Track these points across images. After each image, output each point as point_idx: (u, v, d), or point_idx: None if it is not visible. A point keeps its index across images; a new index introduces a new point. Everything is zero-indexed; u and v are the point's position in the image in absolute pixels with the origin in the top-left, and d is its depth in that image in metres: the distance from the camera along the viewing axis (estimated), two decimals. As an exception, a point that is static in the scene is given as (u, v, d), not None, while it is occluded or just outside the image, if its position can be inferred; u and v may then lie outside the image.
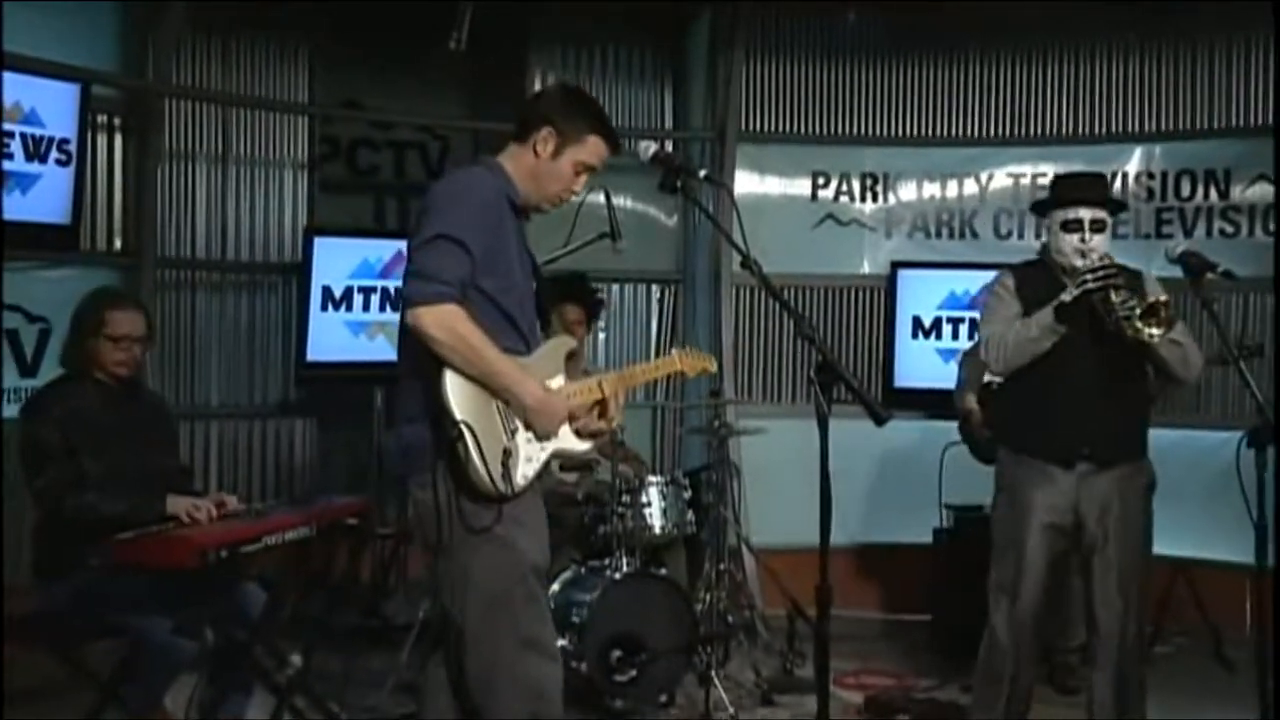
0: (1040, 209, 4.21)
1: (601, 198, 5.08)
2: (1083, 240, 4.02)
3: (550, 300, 3.82)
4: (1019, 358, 4.03)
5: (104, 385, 4.04)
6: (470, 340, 2.94)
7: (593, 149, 3.17)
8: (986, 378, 5.27)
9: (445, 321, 2.92)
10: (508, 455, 2.99)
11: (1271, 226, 6.34)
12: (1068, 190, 4.13)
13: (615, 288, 7.05)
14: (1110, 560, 4.02)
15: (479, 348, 2.96)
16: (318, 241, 6.15)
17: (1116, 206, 4.20)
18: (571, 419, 3.17)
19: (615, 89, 7.05)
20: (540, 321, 4.15)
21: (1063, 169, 6.73)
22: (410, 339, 3.00)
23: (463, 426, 2.91)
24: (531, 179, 3.16)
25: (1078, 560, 4.18)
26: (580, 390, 3.23)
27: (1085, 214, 4.03)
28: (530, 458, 3.07)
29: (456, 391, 2.95)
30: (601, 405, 3.25)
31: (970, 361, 5.25)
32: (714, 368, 3.69)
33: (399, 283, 6.07)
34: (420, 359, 2.98)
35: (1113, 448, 4.04)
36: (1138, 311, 3.83)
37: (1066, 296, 3.91)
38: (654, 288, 7.17)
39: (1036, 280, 4.11)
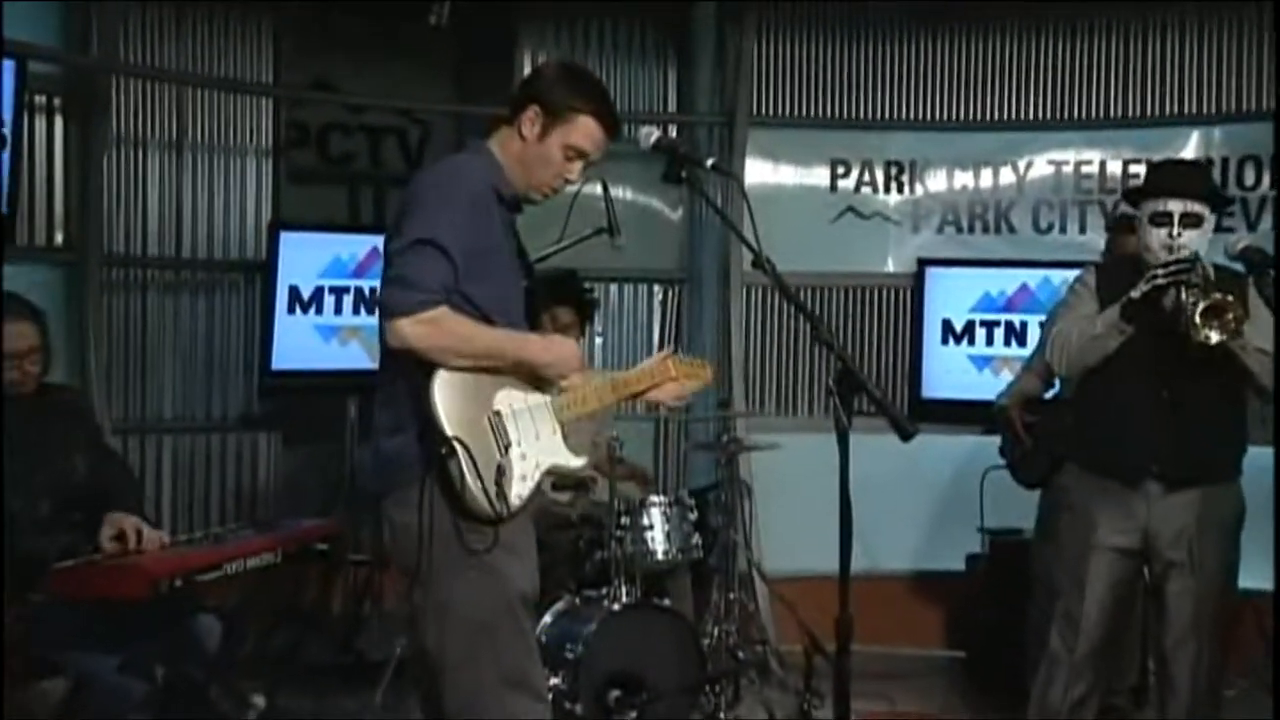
0: (1132, 199, 4.20)
1: (598, 189, 5.08)
2: (1171, 235, 3.98)
3: (541, 302, 3.83)
4: (1083, 358, 4.03)
5: (7, 403, 4.00)
6: (459, 331, 2.98)
7: (584, 131, 3.15)
8: (1049, 394, 5.26)
9: (429, 325, 2.94)
10: (501, 473, 3.00)
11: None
12: (1157, 179, 4.12)
13: (614, 288, 7.04)
14: (1184, 595, 4.00)
15: (470, 335, 2.99)
16: (284, 237, 6.14)
17: (1217, 200, 4.16)
18: (565, 434, 3.19)
19: (613, 69, 7.04)
20: (530, 326, 4.13)
21: (1111, 155, 6.80)
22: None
23: (454, 443, 2.91)
24: (519, 164, 3.15)
25: (1146, 592, 4.16)
26: (571, 402, 3.23)
27: (1175, 207, 3.99)
28: (525, 475, 3.07)
29: (446, 403, 2.96)
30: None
31: (1029, 371, 5.25)
32: (709, 377, 3.68)
33: (375, 282, 6.09)
34: (404, 366, 2.99)
35: (1188, 467, 4.02)
36: (1199, 309, 3.81)
37: (1135, 293, 3.90)
38: (656, 288, 7.16)
39: (1120, 278, 4.08)
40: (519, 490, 3.05)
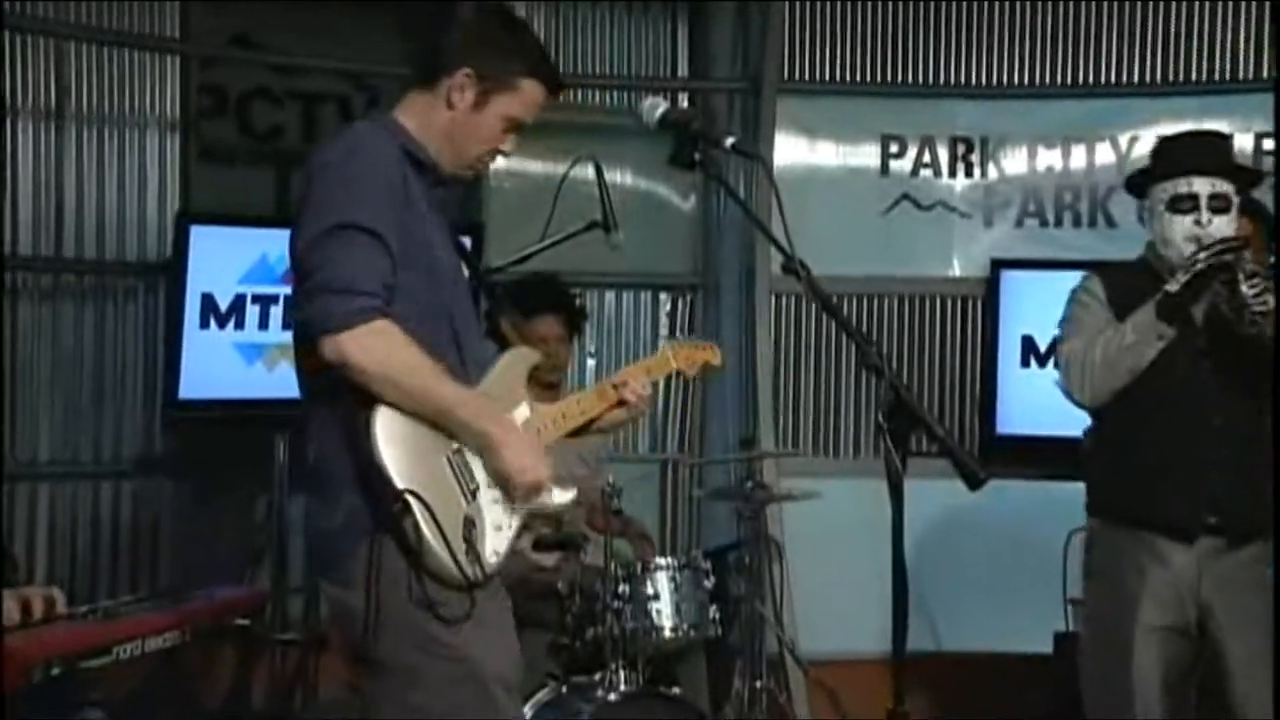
0: (1137, 186, 4.24)
1: (590, 173, 5.10)
2: (1199, 223, 4.03)
3: (509, 315, 3.82)
4: (1110, 378, 4.05)
5: None
6: (414, 366, 2.97)
7: (528, 98, 3.22)
8: None
9: (377, 345, 2.94)
10: (471, 526, 3.01)
11: None
12: (1175, 155, 4.16)
13: (609, 296, 7.08)
14: (1258, 678, 3.96)
15: (427, 377, 2.99)
16: (195, 231, 6.14)
17: (1248, 176, 4.21)
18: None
19: (609, 24, 7.05)
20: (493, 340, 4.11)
21: (1240, 127, 6.69)
22: (317, 372, 3.01)
23: (409, 497, 2.91)
24: (445, 139, 3.20)
25: (1199, 679, 4.14)
26: (551, 419, 3.27)
27: (1201, 187, 4.05)
28: (500, 525, 3.10)
29: (394, 445, 2.96)
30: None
31: None
32: (718, 359, 3.72)
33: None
34: (335, 400, 2.99)
35: (1251, 513, 4.03)
36: (1270, 302, 3.82)
37: (1172, 285, 3.93)
38: (663, 297, 7.21)
39: (1135, 285, 4.13)
40: (494, 544, 3.08)
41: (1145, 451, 4.08)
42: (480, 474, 3.08)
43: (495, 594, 3.15)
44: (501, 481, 3.09)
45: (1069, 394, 4.22)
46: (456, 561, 2.97)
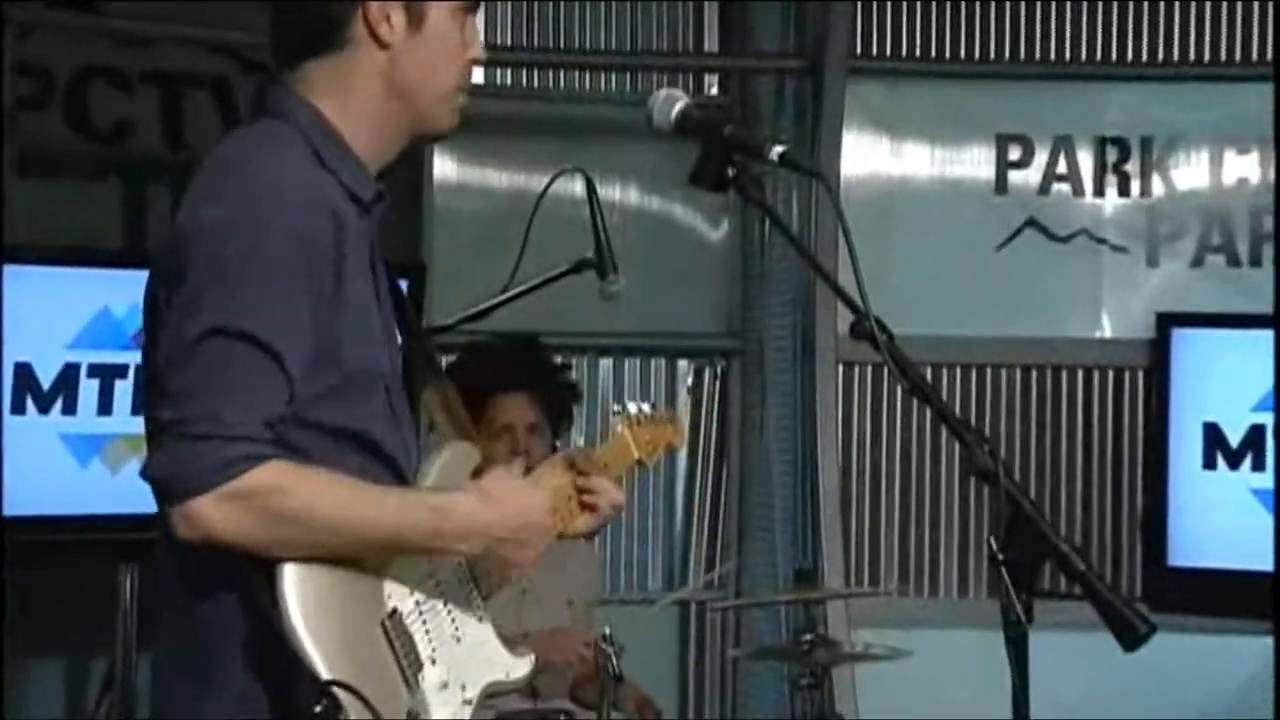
0: None
1: (579, 188, 5.12)
2: None
3: (440, 379, 3.76)
4: None
5: None
6: (306, 507, 2.88)
7: None
8: None
9: (247, 503, 2.84)
10: None
11: None
12: None
13: (605, 364, 7.14)
14: None
15: (331, 512, 2.91)
16: (9, 273, 6.17)
17: None
18: None
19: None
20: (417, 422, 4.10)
21: None
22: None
23: (337, 692, 2.80)
24: (397, 96, 3.13)
25: None
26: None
27: None
28: (450, 720, 3.12)
29: (311, 613, 2.88)
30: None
31: None
32: (680, 438, 3.72)
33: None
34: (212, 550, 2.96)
35: None
36: None
37: None
38: (683, 365, 7.29)
39: None
40: (442, 746, 3.09)
41: None
42: (423, 645, 3.08)
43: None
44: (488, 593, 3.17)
45: None
46: None
